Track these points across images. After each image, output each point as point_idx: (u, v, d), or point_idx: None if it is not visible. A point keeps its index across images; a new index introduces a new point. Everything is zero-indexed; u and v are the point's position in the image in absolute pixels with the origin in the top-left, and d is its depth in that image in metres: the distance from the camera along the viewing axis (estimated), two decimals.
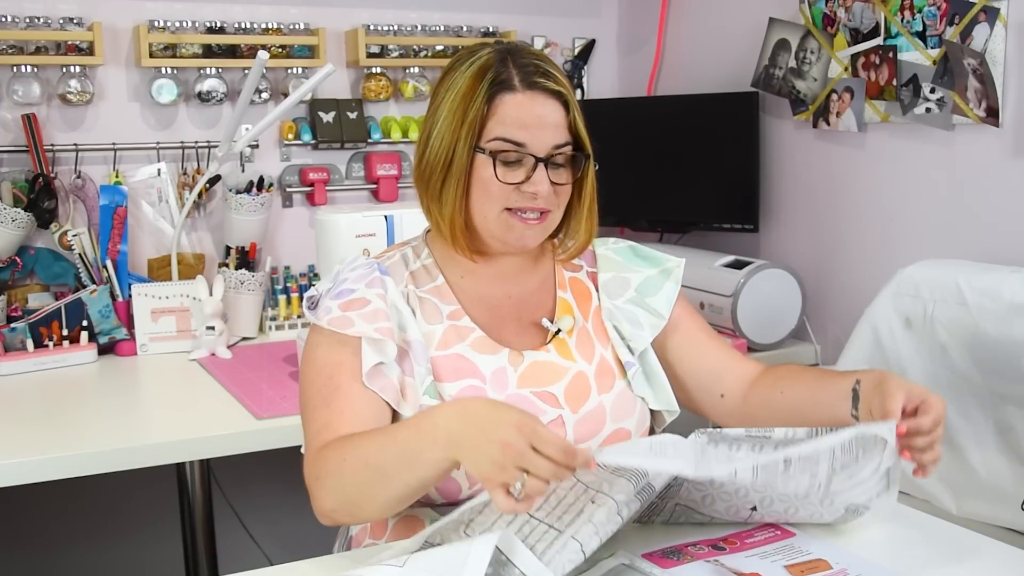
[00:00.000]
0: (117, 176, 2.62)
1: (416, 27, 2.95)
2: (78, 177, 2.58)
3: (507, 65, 1.27)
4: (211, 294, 2.41)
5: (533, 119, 1.26)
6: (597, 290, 1.42)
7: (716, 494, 1.22)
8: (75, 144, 2.56)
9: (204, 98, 2.70)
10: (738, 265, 2.54)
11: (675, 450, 1.08)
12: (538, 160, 1.26)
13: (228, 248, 2.68)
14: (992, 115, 2.11)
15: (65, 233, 2.51)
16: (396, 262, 1.37)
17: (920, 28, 2.26)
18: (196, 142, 2.71)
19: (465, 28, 3.00)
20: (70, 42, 2.53)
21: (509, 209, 1.28)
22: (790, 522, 1.25)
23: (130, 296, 2.47)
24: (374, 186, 2.94)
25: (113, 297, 2.47)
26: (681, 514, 1.25)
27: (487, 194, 1.27)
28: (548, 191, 1.26)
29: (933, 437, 1.16)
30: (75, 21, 2.55)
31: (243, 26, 2.73)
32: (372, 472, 1.14)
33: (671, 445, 1.09)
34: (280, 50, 2.76)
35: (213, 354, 2.39)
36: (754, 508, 1.23)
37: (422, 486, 1.15)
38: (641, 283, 1.42)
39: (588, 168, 1.32)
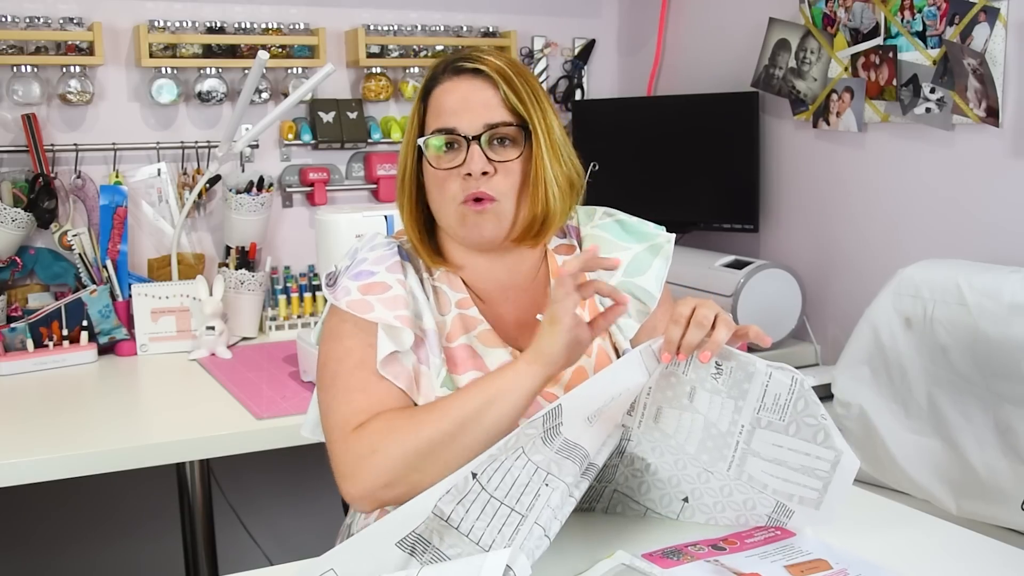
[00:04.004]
0: (117, 176, 2.62)
1: (416, 27, 2.95)
2: (78, 177, 2.58)
3: (446, 65, 1.29)
4: (211, 294, 2.41)
5: (458, 102, 1.26)
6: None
7: (651, 481, 1.25)
8: (75, 144, 2.56)
9: (204, 98, 2.70)
10: (738, 265, 2.54)
11: (626, 368, 1.16)
12: (469, 140, 1.25)
13: (228, 248, 2.68)
14: (992, 115, 2.11)
15: (65, 233, 2.51)
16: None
17: (920, 28, 2.26)
18: (196, 142, 2.71)
19: (465, 28, 3.00)
20: (70, 42, 2.53)
21: (463, 203, 1.26)
22: (718, 520, 1.27)
23: (130, 296, 2.47)
24: (374, 186, 2.94)
25: (113, 297, 2.47)
26: (618, 502, 1.29)
27: (438, 188, 1.27)
28: (480, 168, 1.24)
29: (693, 333, 1.15)
30: (75, 21, 2.55)
31: (243, 26, 2.73)
32: (452, 422, 1.15)
33: (621, 369, 1.16)
34: (280, 50, 2.76)
35: (213, 354, 2.39)
36: (685, 499, 1.26)
37: (508, 420, 1.15)
38: (630, 262, 1.37)
39: (535, 140, 1.27)
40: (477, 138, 1.25)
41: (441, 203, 1.28)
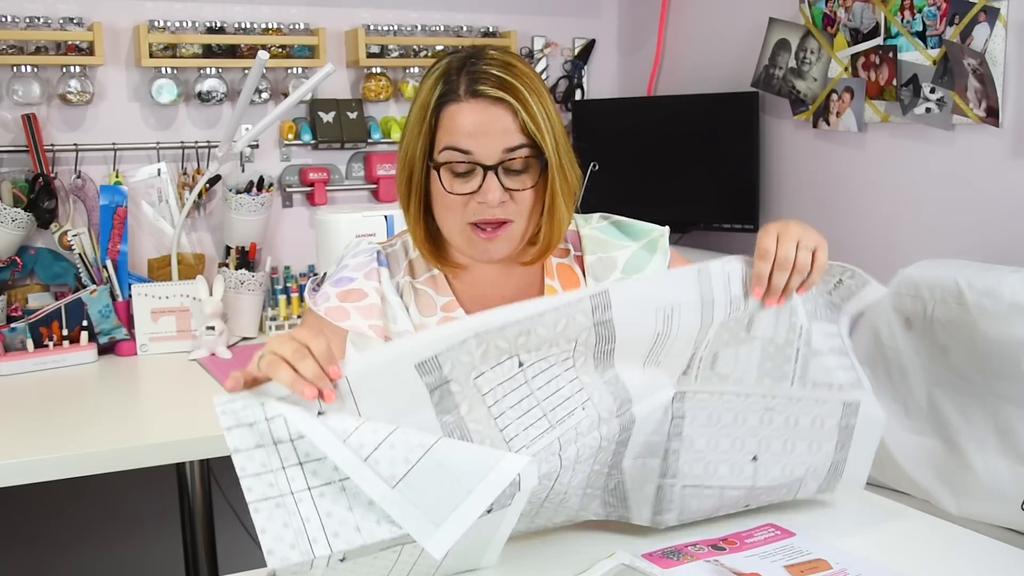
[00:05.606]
0: (117, 176, 2.62)
1: (416, 27, 2.95)
2: (78, 177, 2.58)
3: (459, 74, 1.25)
4: (211, 294, 2.41)
5: (476, 127, 1.23)
6: (584, 275, 1.40)
7: (716, 458, 1.23)
8: (75, 144, 2.56)
9: (204, 98, 2.70)
10: None
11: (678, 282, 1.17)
12: (486, 168, 1.23)
13: (228, 248, 2.68)
14: (992, 115, 2.11)
15: (65, 233, 2.51)
16: (397, 250, 1.38)
17: (920, 28, 2.26)
18: (196, 142, 2.71)
19: (465, 28, 3.00)
20: (70, 42, 2.53)
21: (473, 224, 1.26)
22: (793, 469, 1.25)
23: (130, 296, 2.47)
24: (374, 186, 2.94)
25: (113, 297, 2.47)
26: (692, 497, 1.24)
27: (448, 208, 1.26)
28: (497, 199, 1.23)
29: (777, 274, 1.19)
30: (75, 21, 2.55)
31: (243, 26, 2.73)
32: None
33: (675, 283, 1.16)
34: (280, 50, 2.76)
35: (213, 354, 2.39)
36: (755, 458, 1.24)
37: None
38: (627, 260, 1.38)
39: (550, 170, 1.26)
40: (495, 168, 1.23)
41: (450, 222, 1.27)
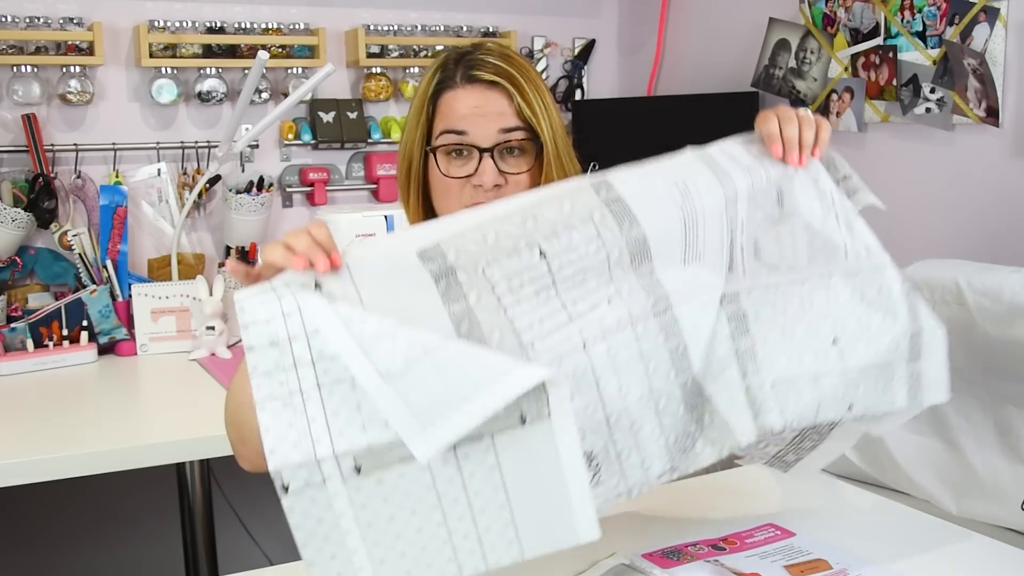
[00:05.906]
0: (117, 176, 2.62)
1: (416, 27, 2.95)
2: (78, 177, 2.58)
3: (456, 64, 1.28)
4: (211, 294, 2.41)
5: (472, 109, 1.25)
6: None
7: (798, 347, 1.12)
8: (75, 144, 2.56)
9: (204, 98, 2.70)
10: None
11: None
12: (482, 151, 1.25)
13: (228, 248, 2.68)
14: (992, 115, 2.12)
15: (65, 233, 2.51)
16: None
17: (920, 28, 2.26)
18: (196, 142, 2.71)
19: (465, 28, 3.00)
20: (70, 42, 2.53)
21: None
22: (879, 350, 1.14)
23: (130, 296, 2.47)
24: (374, 186, 2.94)
25: (113, 297, 2.47)
26: (787, 394, 1.12)
27: (445, 194, 1.28)
28: (492, 181, 1.24)
29: (786, 126, 1.18)
30: (75, 21, 2.55)
31: (243, 26, 2.73)
32: (239, 379, 1.21)
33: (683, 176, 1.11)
34: (280, 50, 2.76)
35: (213, 354, 2.39)
36: (835, 340, 1.13)
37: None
38: None
39: (545, 156, 1.27)
40: (490, 150, 1.25)
41: (448, 207, 1.28)
